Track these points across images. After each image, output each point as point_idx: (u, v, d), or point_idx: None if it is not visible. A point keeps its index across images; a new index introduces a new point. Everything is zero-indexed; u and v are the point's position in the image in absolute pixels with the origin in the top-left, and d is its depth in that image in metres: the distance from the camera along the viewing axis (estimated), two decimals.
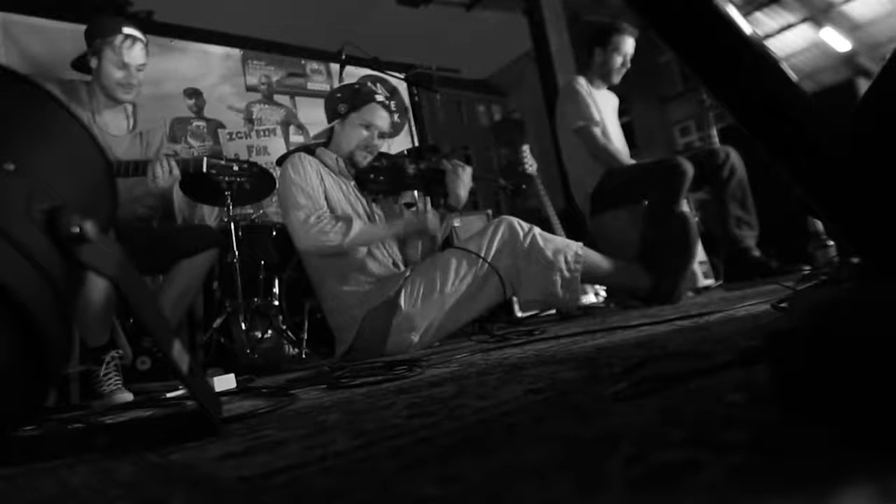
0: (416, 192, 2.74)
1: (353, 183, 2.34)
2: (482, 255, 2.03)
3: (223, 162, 2.25)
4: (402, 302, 2.03)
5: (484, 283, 2.04)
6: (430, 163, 2.47)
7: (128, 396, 1.78)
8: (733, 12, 0.54)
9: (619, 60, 3.17)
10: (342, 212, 2.20)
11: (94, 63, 2.19)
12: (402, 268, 2.26)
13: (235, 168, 2.26)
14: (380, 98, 2.32)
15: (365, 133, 2.30)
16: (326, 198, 2.20)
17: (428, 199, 2.48)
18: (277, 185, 2.44)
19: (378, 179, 2.35)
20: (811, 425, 0.38)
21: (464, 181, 2.33)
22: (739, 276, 2.95)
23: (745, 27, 0.54)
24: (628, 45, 3.15)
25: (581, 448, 0.45)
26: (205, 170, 2.17)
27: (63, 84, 2.34)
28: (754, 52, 0.54)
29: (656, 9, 0.55)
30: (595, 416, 0.54)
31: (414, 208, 2.77)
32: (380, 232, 2.19)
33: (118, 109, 2.27)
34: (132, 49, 2.17)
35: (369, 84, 2.40)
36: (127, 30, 2.18)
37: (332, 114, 2.35)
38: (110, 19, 2.28)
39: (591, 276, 2.17)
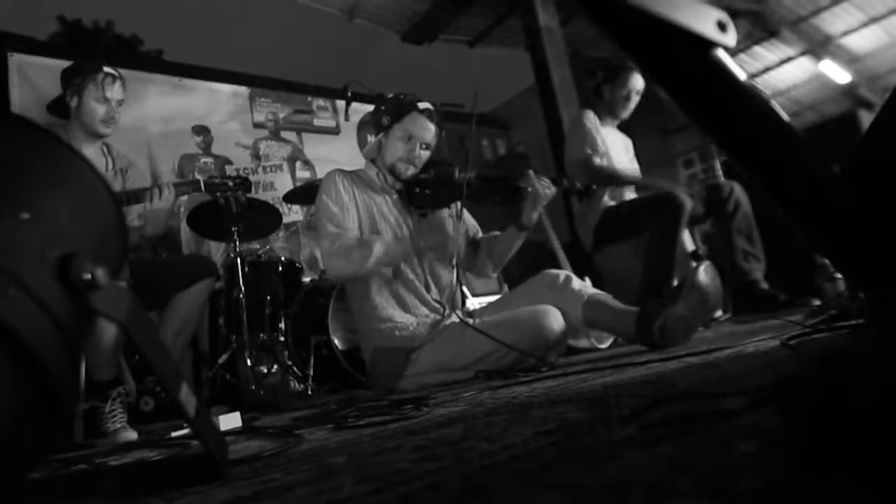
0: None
1: (395, 197, 2.28)
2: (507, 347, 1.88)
3: (218, 180, 2.41)
4: (413, 359, 2.03)
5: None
6: (497, 171, 2.22)
7: (132, 435, 1.77)
8: (725, 58, 0.55)
9: (626, 96, 3.20)
10: (369, 231, 2.17)
11: (73, 102, 2.24)
12: (432, 295, 2.21)
13: (231, 184, 2.41)
14: (422, 106, 2.23)
15: (406, 144, 2.21)
16: (357, 213, 2.18)
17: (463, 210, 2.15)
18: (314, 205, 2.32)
19: (424, 193, 2.23)
20: (823, 476, 0.38)
21: (544, 203, 2.18)
22: (748, 308, 2.94)
23: (738, 72, 0.55)
24: (637, 81, 3.19)
25: (591, 497, 0.44)
26: (203, 188, 2.35)
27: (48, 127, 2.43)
28: (746, 97, 0.55)
29: (648, 57, 0.56)
30: (605, 461, 0.54)
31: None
32: (400, 251, 2.10)
33: (95, 149, 2.32)
34: (113, 85, 2.27)
35: (412, 94, 2.31)
36: (107, 68, 2.29)
37: (377, 127, 2.29)
38: (88, 60, 2.39)
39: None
